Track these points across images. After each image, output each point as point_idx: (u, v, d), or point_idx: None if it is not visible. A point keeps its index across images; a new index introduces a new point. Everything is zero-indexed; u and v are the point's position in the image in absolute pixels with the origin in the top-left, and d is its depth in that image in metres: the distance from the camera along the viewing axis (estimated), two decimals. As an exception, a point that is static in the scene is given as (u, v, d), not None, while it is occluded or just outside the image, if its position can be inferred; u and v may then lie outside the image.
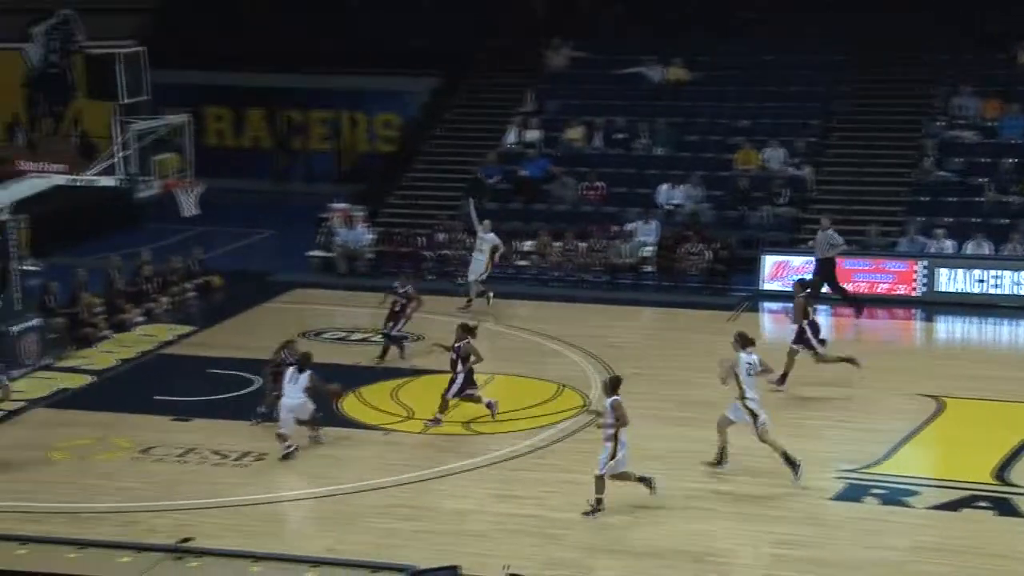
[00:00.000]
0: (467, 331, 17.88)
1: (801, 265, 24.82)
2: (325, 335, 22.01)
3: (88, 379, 19.85)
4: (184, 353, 20.99)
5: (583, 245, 26.21)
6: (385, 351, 20.70)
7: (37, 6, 33.97)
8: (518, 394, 19.25)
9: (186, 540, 13.32)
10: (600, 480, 14.64)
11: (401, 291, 20.88)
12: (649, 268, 25.71)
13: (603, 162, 29.39)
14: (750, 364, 15.75)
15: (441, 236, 26.82)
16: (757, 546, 14.19)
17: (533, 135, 29.98)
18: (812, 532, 14.44)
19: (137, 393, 19.17)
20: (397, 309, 20.79)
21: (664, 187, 27.87)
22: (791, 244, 26.36)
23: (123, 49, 20.06)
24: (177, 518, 14.66)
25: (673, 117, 29.98)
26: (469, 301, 23.82)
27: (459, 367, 17.69)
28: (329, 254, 27.13)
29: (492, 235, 24.21)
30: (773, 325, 24.35)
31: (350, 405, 18.63)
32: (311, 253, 27.38)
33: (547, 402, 18.95)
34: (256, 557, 13.23)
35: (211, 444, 17.04)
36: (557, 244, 26.52)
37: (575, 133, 29.96)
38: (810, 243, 24.45)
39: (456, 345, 17.79)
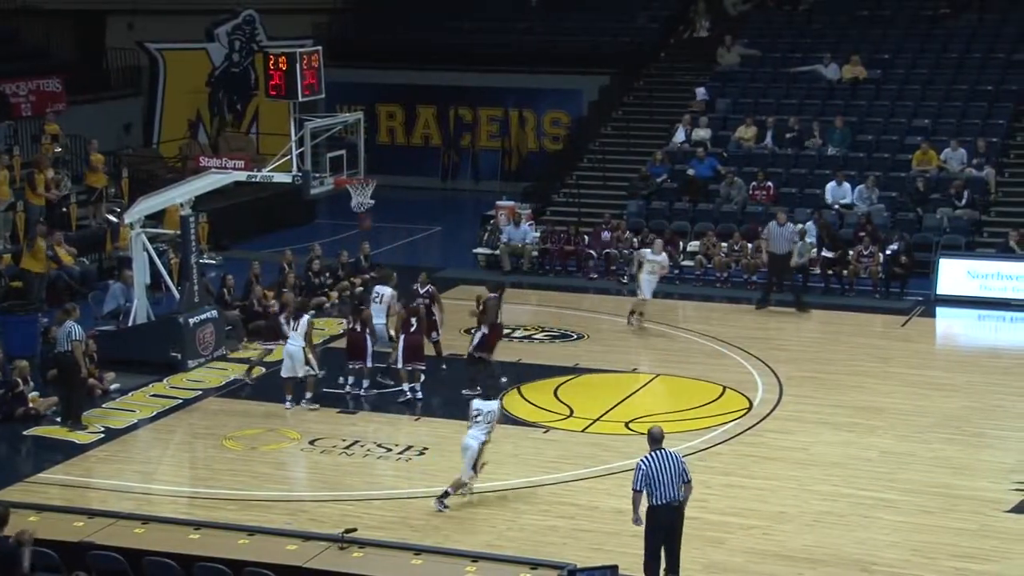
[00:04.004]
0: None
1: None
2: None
3: (260, 371, 20.34)
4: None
5: (750, 246, 25.77)
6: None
7: (221, 7, 34.99)
8: (682, 395, 19.07)
9: (350, 531, 13.55)
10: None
11: (423, 291, 20.08)
12: (816, 270, 25.11)
13: (773, 162, 28.89)
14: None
15: (606, 235, 26.71)
16: (934, 558, 13.73)
17: (702, 134, 29.65)
18: (988, 545, 13.95)
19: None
20: (423, 314, 19.23)
21: (831, 185, 27.22)
22: (969, 248, 25.54)
23: (301, 49, 20.49)
24: (341, 509, 14.94)
25: (847, 116, 29.31)
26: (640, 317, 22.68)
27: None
28: (494, 251, 27.29)
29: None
30: (948, 332, 23.69)
31: (511, 402, 18.70)
32: (477, 250, 27.59)
33: (710, 404, 18.70)
34: (417, 550, 13.37)
35: (375, 437, 17.31)
36: (723, 244, 26.15)
37: (746, 132, 29.52)
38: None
39: None
